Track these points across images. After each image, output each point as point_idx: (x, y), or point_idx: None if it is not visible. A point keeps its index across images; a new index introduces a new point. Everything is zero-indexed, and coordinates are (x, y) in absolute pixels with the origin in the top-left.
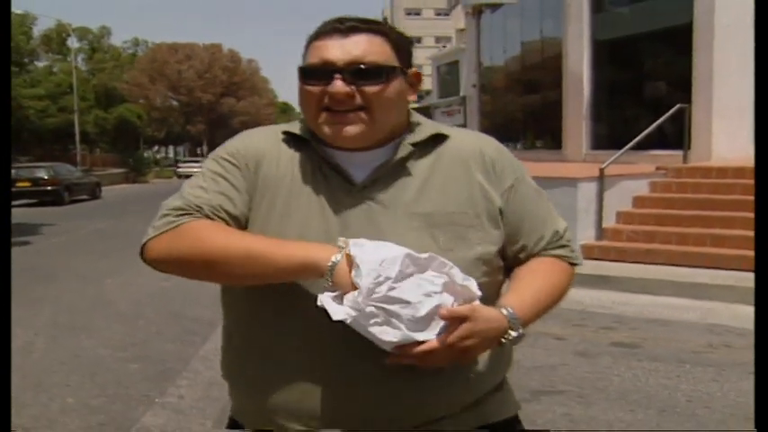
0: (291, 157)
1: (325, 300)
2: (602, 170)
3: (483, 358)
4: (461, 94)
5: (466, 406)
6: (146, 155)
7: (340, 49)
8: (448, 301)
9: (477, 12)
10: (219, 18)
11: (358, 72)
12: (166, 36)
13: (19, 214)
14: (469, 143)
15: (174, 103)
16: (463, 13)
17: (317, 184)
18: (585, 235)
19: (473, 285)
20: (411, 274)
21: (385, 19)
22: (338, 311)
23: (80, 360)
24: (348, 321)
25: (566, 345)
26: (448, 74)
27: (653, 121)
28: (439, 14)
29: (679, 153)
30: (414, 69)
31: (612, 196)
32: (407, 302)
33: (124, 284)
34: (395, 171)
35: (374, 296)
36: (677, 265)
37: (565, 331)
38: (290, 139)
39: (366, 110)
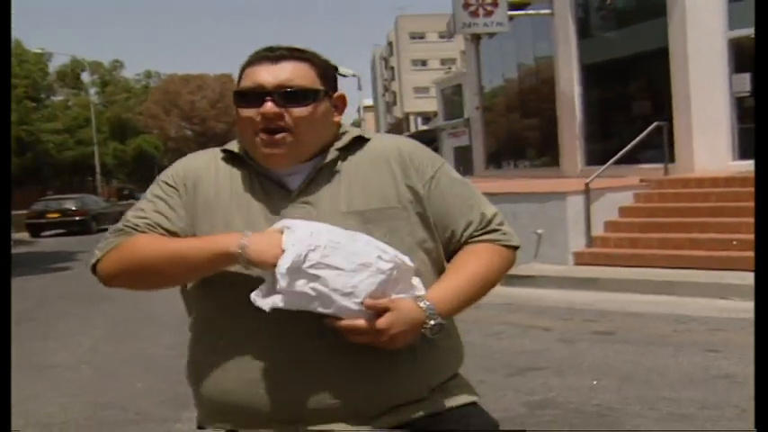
0: (230, 173)
1: (254, 297)
2: (587, 184)
3: (435, 352)
4: (465, 116)
5: (421, 396)
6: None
7: (270, 74)
8: (385, 267)
9: (475, 38)
10: (229, 48)
11: (286, 95)
12: (177, 67)
13: (52, 243)
14: (388, 143)
15: (189, 132)
16: (463, 38)
17: (255, 195)
18: (577, 243)
19: (406, 259)
20: (342, 245)
21: (390, 43)
22: (266, 303)
23: (139, 357)
24: (282, 306)
25: (551, 334)
26: (453, 95)
27: (646, 136)
28: (443, 37)
29: (663, 166)
30: (339, 93)
31: (600, 207)
32: (340, 269)
33: (165, 301)
34: (325, 175)
35: (306, 264)
36: (658, 267)
37: (552, 324)
38: (228, 157)
39: (293, 133)
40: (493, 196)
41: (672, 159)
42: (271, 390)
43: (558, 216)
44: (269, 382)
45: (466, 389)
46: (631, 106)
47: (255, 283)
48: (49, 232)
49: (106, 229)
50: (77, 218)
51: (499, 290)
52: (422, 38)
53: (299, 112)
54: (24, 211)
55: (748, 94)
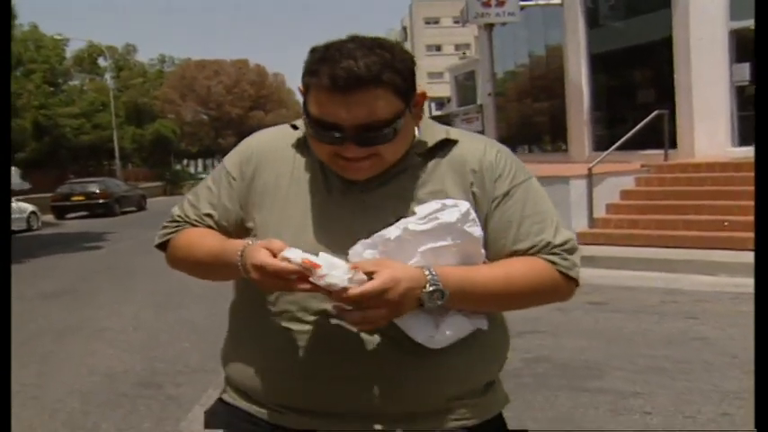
0: (293, 156)
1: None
2: (590, 169)
3: (467, 352)
4: (478, 102)
5: (445, 404)
6: (178, 168)
7: (345, 111)
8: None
9: (488, 27)
10: (244, 33)
11: (368, 135)
12: (191, 52)
13: (78, 225)
14: (474, 149)
15: (204, 117)
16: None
17: (316, 183)
18: (579, 223)
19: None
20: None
21: (404, 28)
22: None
23: (181, 323)
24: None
25: (548, 305)
26: (466, 80)
27: (648, 123)
28: (457, 22)
29: (663, 152)
30: (419, 92)
31: (603, 190)
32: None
33: None
34: (393, 177)
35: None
36: (654, 246)
37: None
38: (297, 139)
39: (378, 156)
40: None
41: (674, 145)
42: (287, 381)
43: (563, 198)
44: (287, 374)
45: (489, 404)
46: (637, 94)
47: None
48: (74, 214)
49: (131, 211)
50: (101, 201)
51: None
52: (436, 23)
53: (383, 146)
54: (48, 195)
55: (748, 83)
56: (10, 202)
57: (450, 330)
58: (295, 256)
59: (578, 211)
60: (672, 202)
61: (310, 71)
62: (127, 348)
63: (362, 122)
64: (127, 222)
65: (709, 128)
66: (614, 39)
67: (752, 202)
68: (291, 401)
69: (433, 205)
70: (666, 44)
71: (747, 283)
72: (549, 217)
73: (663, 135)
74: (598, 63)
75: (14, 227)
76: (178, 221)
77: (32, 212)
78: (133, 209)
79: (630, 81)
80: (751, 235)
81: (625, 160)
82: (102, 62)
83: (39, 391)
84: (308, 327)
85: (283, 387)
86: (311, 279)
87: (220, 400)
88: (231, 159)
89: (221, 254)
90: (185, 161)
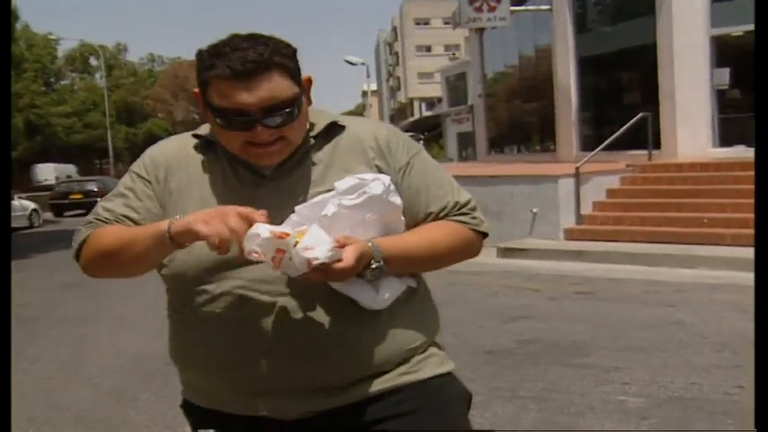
0: (201, 159)
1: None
2: (577, 168)
3: (403, 315)
4: (469, 102)
5: (390, 365)
6: None
7: (249, 95)
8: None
9: (479, 30)
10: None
11: (274, 116)
12: (181, 51)
13: (78, 222)
14: (364, 129)
15: (196, 117)
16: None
17: (227, 180)
18: (567, 220)
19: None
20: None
21: (395, 29)
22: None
23: None
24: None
25: (540, 294)
26: (457, 80)
27: (633, 124)
28: (447, 23)
29: (647, 152)
30: (305, 77)
31: (590, 189)
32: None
33: None
34: (299, 161)
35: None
36: (638, 242)
37: (541, 286)
38: (200, 143)
39: (285, 139)
40: (493, 178)
41: (658, 146)
42: (238, 369)
43: (551, 197)
44: (237, 362)
45: (438, 359)
46: (623, 96)
47: (215, 257)
48: (73, 212)
49: None
50: (98, 199)
51: (497, 261)
52: (426, 24)
53: (290, 126)
54: (46, 193)
55: (728, 86)
56: (10, 201)
57: (388, 292)
58: (265, 229)
59: (566, 209)
60: (655, 200)
61: (206, 67)
62: (149, 333)
63: (267, 104)
64: None
65: (691, 130)
66: (601, 43)
67: (730, 200)
68: (249, 387)
69: (351, 180)
70: (651, 49)
71: (724, 275)
72: (448, 181)
73: (647, 136)
74: (586, 66)
75: (17, 224)
76: (92, 222)
77: (34, 210)
78: None
79: (617, 84)
80: (728, 231)
81: (611, 160)
82: (93, 62)
83: (78, 367)
84: (252, 308)
85: (239, 372)
86: (289, 244)
87: (185, 400)
88: (140, 167)
89: (146, 228)
90: None
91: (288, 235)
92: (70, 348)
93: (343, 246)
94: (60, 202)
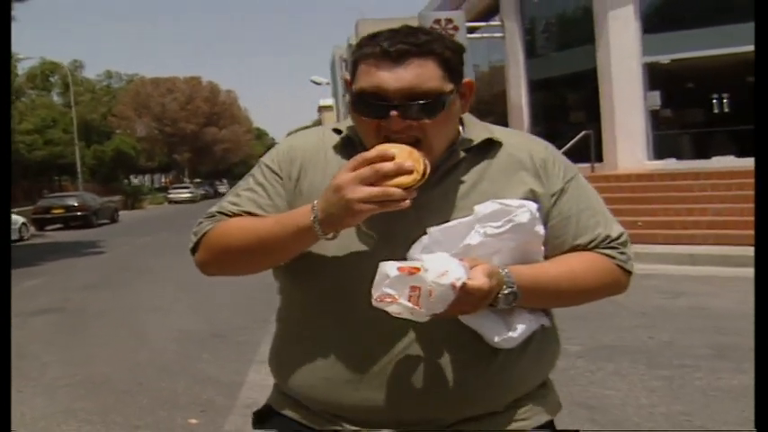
0: (338, 158)
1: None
2: None
3: (524, 356)
4: None
5: (505, 405)
6: (137, 183)
7: (392, 78)
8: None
9: None
10: (191, 48)
11: (414, 105)
12: (138, 68)
13: (64, 235)
14: (520, 148)
15: (156, 132)
16: None
17: None
18: None
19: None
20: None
21: (350, 45)
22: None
23: (216, 297)
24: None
25: None
26: None
27: (578, 140)
28: None
29: (590, 165)
30: (467, 80)
31: None
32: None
33: None
34: (445, 176)
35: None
36: None
37: None
38: (340, 143)
39: (424, 141)
40: None
41: (600, 159)
42: (345, 390)
43: None
44: (345, 382)
45: (548, 406)
46: (570, 115)
47: (343, 274)
48: (54, 226)
49: (105, 223)
50: (79, 213)
51: None
52: None
53: (428, 122)
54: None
55: (659, 107)
56: (10, 207)
57: (520, 330)
58: (392, 267)
59: None
60: None
61: (360, 46)
62: (183, 316)
63: (408, 88)
64: (110, 232)
65: (628, 145)
66: (549, 67)
67: (661, 206)
68: (353, 410)
69: (493, 205)
70: (592, 74)
71: (655, 268)
72: (602, 210)
73: (590, 151)
74: (536, 87)
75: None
76: (215, 215)
77: (23, 224)
78: (107, 221)
79: (564, 103)
80: (659, 231)
81: None
82: (53, 79)
83: (138, 344)
84: (369, 332)
85: (345, 395)
86: (424, 278)
87: (270, 407)
88: (273, 160)
89: (282, 218)
90: (143, 176)
91: (419, 270)
92: (125, 332)
93: (470, 267)
94: (43, 216)
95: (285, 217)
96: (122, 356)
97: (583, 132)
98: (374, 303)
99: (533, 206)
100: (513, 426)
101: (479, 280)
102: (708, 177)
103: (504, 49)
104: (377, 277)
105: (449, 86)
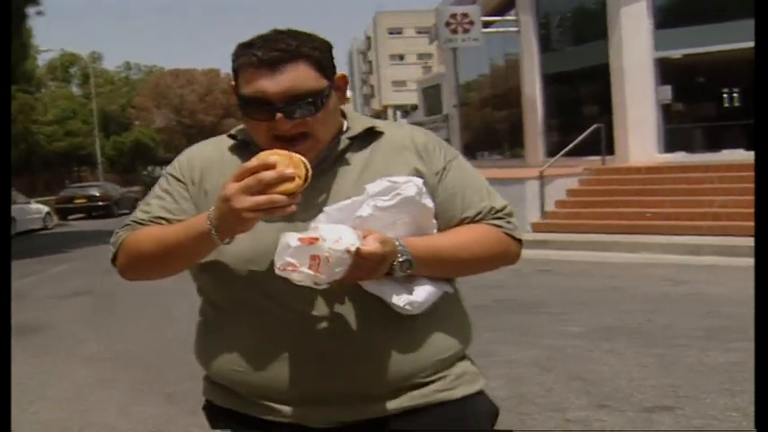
0: (236, 161)
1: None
2: (541, 172)
3: (431, 321)
4: (444, 111)
5: (424, 376)
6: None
7: (271, 83)
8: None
9: (454, 48)
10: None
11: (295, 106)
12: (157, 60)
13: (85, 225)
14: (401, 133)
15: (175, 123)
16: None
17: None
18: (533, 216)
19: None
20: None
21: (368, 38)
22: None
23: None
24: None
25: (509, 272)
26: (431, 88)
27: (590, 134)
28: (420, 32)
29: (606, 158)
30: (339, 74)
31: (552, 189)
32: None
33: None
34: (335, 163)
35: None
36: (592, 233)
37: (511, 267)
38: (235, 145)
39: (310, 135)
40: None
41: (612, 152)
42: (266, 374)
43: (519, 196)
44: (266, 366)
45: (472, 376)
46: (582, 109)
47: (249, 260)
48: (77, 216)
49: (126, 213)
50: (101, 203)
51: None
52: (399, 33)
53: (312, 118)
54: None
55: (670, 101)
56: (10, 202)
57: (423, 295)
58: (293, 238)
59: (532, 206)
60: (607, 198)
61: (238, 55)
62: None
63: (290, 93)
64: None
65: (639, 138)
66: (563, 61)
67: (668, 198)
68: (276, 393)
69: (383, 183)
70: (605, 68)
71: (660, 257)
72: (485, 186)
73: (600, 144)
74: (550, 81)
75: (34, 225)
76: (129, 224)
77: (47, 213)
78: (127, 211)
79: (577, 97)
80: (666, 222)
81: (571, 165)
82: (72, 71)
83: (164, 323)
84: (282, 314)
85: (267, 378)
86: (321, 246)
87: (207, 401)
88: (176, 169)
89: (185, 225)
90: (162, 167)
91: (318, 239)
92: (151, 311)
93: (364, 237)
94: (66, 206)
95: (187, 224)
96: (150, 334)
97: (593, 126)
98: (277, 272)
99: (419, 181)
100: (442, 396)
101: (372, 245)
102: (716, 170)
103: (518, 43)
104: (278, 248)
105: (324, 83)
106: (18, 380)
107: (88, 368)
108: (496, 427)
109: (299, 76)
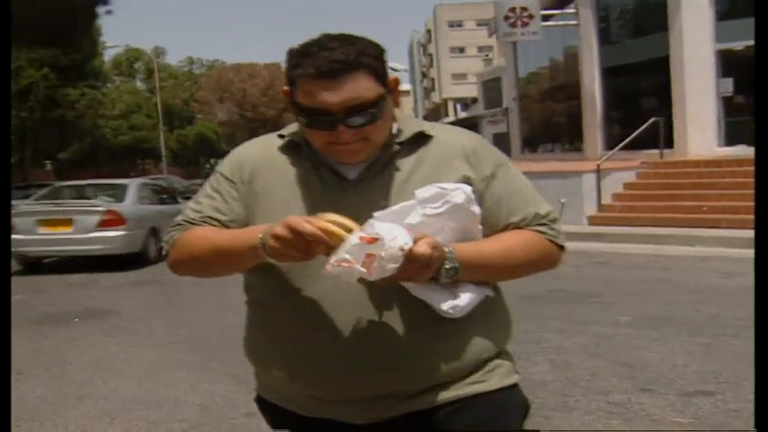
0: (286, 161)
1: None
2: (598, 165)
3: (473, 325)
4: (504, 105)
5: (462, 373)
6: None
7: (332, 95)
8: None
9: (513, 42)
10: (271, 34)
11: (356, 117)
12: (219, 54)
13: None
14: (451, 139)
15: (237, 117)
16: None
17: (311, 184)
18: (590, 209)
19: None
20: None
21: (428, 31)
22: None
23: None
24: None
25: (565, 264)
26: (491, 81)
27: (648, 127)
28: (480, 25)
29: (659, 151)
30: (391, 78)
31: (610, 183)
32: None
33: None
34: (384, 167)
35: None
36: (648, 226)
37: (567, 259)
38: (285, 144)
39: (368, 140)
40: (527, 174)
41: (671, 145)
42: (320, 374)
43: (577, 189)
44: (319, 367)
45: (505, 370)
46: (642, 101)
47: (308, 267)
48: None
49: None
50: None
51: None
52: (460, 26)
53: (372, 127)
54: None
55: (731, 94)
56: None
57: (466, 300)
58: (354, 236)
59: (589, 199)
60: (664, 192)
61: (294, 65)
62: None
63: (350, 104)
64: None
65: (699, 131)
66: (623, 54)
67: (726, 191)
68: (323, 393)
69: (432, 189)
70: (665, 61)
71: (715, 251)
72: (531, 192)
73: (659, 137)
74: (609, 74)
75: None
76: (181, 224)
77: None
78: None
79: (636, 90)
80: (723, 216)
81: (629, 158)
82: (137, 66)
83: (225, 309)
84: (330, 316)
85: (314, 378)
86: (379, 245)
87: (258, 396)
88: (226, 168)
89: (237, 235)
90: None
91: (377, 239)
92: (213, 299)
93: (416, 239)
94: None
95: (240, 234)
96: (213, 319)
97: (651, 119)
98: (328, 267)
99: (468, 188)
100: (474, 388)
101: (423, 248)
102: None
103: (578, 36)
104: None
105: (381, 90)
106: (94, 359)
107: (157, 350)
108: (527, 421)
109: (358, 87)
